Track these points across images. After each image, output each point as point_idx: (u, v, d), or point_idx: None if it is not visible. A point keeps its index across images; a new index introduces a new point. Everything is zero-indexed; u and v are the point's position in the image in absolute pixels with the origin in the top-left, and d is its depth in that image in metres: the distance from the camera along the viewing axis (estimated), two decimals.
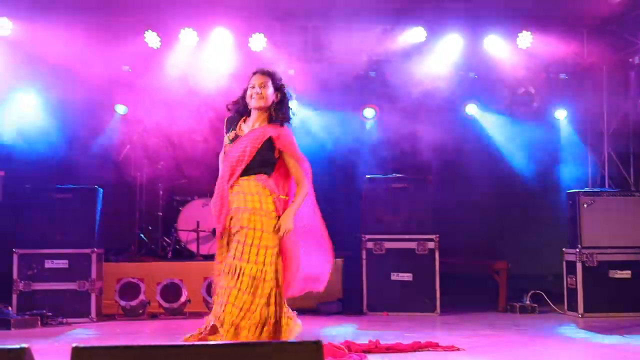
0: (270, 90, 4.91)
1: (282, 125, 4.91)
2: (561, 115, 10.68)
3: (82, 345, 2.57)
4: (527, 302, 8.71)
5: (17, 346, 2.34)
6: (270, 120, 4.91)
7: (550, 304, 8.73)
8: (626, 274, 8.36)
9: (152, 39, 9.36)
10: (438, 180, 9.25)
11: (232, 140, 4.89)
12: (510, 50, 9.83)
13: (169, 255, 9.68)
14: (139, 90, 9.80)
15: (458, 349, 5.91)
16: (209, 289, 8.38)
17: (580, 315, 8.20)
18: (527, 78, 10.28)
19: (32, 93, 9.82)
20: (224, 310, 4.55)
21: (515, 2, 9.18)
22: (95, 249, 8.23)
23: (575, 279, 8.35)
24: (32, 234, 8.22)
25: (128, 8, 9.17)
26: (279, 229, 4.73)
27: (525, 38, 9.65)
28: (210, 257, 9.52)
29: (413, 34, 9.64)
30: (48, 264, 8.13)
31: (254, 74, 4.98)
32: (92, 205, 8.40)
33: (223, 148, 5.03)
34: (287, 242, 4.77)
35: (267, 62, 9.73)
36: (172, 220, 9.93)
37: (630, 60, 9.88)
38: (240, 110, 5.01)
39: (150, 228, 10.22)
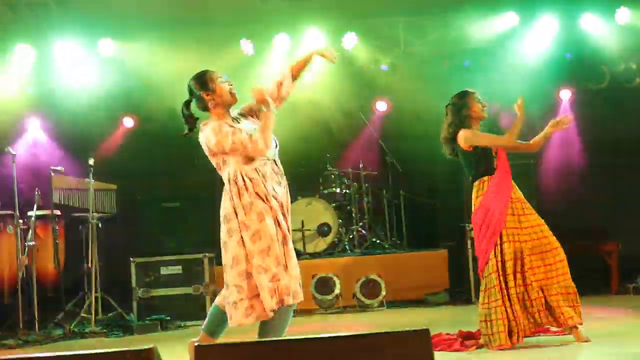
0: None
1: None
2: None
3: (204, 343, 2.76)
4: None
5: (146, 346, 2.52)
6: None
7: None
8: None
9: (246, 46, 9.59)
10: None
11: None
12: (608, 27, 9.61)
13: None
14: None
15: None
16: (316, 286, 8.50)
17: None
18: (627, 54, 9.99)
19: (133, 111, 10.21)
20: None
21: None
22: (207, 254, 8.54)
23: None
24: (146, 243, 8.62)
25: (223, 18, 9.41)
26: None
27: (624, 13, 9.43)
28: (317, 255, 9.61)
29: (506, 19, 9.58)
30: (164, 271, 8.51)
31: None
32: (198, 211, 8.73)
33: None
34: None
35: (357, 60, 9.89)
36: None
37: None
38: None
39: None
